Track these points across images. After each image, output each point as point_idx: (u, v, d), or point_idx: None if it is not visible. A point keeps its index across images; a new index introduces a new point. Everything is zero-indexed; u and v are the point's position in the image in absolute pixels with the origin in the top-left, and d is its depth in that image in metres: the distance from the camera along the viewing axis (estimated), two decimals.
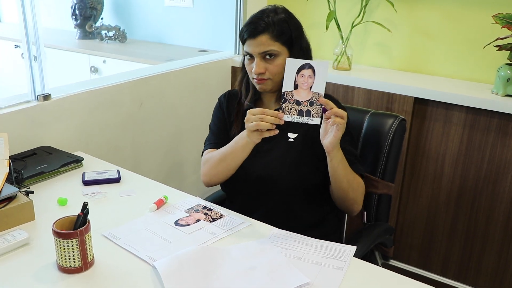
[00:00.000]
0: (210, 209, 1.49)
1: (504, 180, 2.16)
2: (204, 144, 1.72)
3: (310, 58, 1.57)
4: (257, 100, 1.65)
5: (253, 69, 1.52)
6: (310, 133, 1.50)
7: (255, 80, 1.55)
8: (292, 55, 1.52)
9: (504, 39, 2.06)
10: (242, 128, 1.46)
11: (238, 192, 1.67)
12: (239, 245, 1.30)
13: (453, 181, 2.29)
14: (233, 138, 1.54)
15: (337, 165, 1.45)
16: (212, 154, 1.62)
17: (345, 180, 1.48)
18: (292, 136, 1.46)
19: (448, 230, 2.36)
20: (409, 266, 2.52)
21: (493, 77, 2.20)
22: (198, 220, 1.43)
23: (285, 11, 1.57)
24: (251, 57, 1.54)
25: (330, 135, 1.37)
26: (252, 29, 1.51)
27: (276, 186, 1.56)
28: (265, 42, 1.50)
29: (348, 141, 1.54)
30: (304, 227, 1.47)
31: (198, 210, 1.48)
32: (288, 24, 1.53)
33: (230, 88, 2.74)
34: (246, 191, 1.63)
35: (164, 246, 1.29)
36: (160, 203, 1.49)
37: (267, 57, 1.51)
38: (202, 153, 1.69)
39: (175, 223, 1.41)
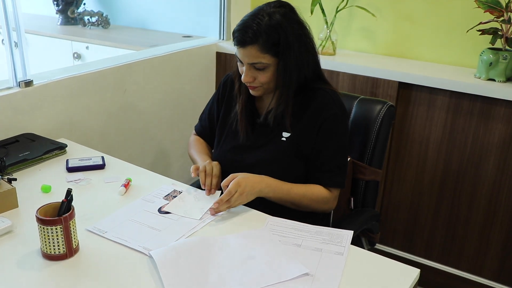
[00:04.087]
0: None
1: (486, 164, 2.19)
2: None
3: (304, 70, 1.48)
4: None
5: (242, 76, 1.49)
6: (304, 134, 1.51)
7: (247, 85, 1.52)
8: (284, 66, 1.44)
9: (486, 23, 2.07)
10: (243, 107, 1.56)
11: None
12: (236, 234, 1.29)
13: (437, 165, 2.31)
14: (228, 119, 1.62)
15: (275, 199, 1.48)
16: (191, 145, 1.76)
17: (292, 205, 1.51)
18: (285, 135, 1.52)
19: (431, 213, 2.39)
20: (393, 249, 2.55)
21: (476, 61, 2.21)
22: None
23: (283, 13, 1.42)
24: (241, 62, 1.48)
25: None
26: (240, 37, 1.42)
27: None
28: (253, 54, 1.42)
29: (334, 148, 1.53)
30: (290, 214, 1.45)
31: (176, 196, 1.48)
32: (282, 33, 1.40)
33: (214, 74, 2.72)
34: None
35: (155, 235, 1.28)
36: (127, 186, 1.52)
37: (257, 67, 1.45)
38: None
39: (158, 210, 1.40)
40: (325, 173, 1.52)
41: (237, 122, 1.59)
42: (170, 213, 1.39)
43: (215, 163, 1.56)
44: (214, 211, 1.38)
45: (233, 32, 1.46)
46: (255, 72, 1.46)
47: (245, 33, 1.41)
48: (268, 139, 1.55)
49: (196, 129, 1.80)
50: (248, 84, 1.50)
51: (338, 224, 1.63)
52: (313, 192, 1.52)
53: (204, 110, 1.78)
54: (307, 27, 1.50)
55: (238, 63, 1.51)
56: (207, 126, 1.74)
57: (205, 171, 1.49)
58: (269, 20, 1.40)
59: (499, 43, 2.12)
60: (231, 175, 1.42)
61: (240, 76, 1.51)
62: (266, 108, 1.57)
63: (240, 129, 1.58)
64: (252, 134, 1.58)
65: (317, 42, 2.53)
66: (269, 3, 1.46)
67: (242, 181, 1.40)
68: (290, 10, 1.47)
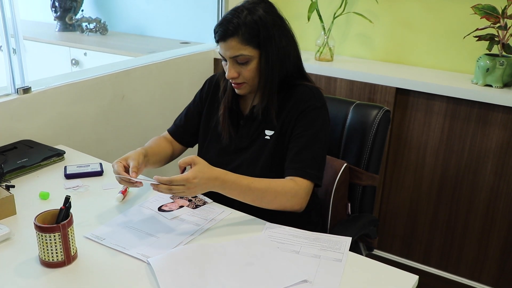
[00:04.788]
0: (195, 196, 1.50)
1: (484, 169, 2.19)
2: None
3: (286, 63, 1.48)
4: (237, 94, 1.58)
5: (226, 73, 1.49)
6: (284, 129, 1.50)
7: (232, 83, 1.52)
8: (266, 58, 1.44)
9: (483, 29, 2.08)
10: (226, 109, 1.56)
11: None
12: (235, 241, 1.29)
13: (435, 170, 2.31)
14: (212, 121, 1.61)
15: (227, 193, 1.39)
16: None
17: (255, 202, 1.41)
18: (269, 133, 1.51)
19: (430, 219, 2.40)
20: (392, 255, 2.55)
21: (473, 67, 2.22)
22: (181, 206, 1.44)
23: (263, 7, 1.46)
24: (225, 59, 1.49)
25: None
26: (221, 31, 1.44)
27: None
28: (234, 47, 1.43)
29: (309, 138, 1.47)
30: (288, 221, 1.44)
31: (183, 197, 1.49)
32: (262, 25, 1.43)
33: None
34: None
35: (153, 242, 1.27)
36: (125, 193, 1.51)
37: (239, 61, 1.45)
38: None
39: (158, 209, 1.41)
40: (298, 163, 1.45)
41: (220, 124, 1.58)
42: (169, 211, 1.41)
43: (131, 155, 1.45)
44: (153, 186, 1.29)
45: (214, 29, 1.47)
46: (239, 67, 1.46)
47: (225, 27, 1.43)
48: (252, 139, 1.54)
49: (169, 130, 1.74)
50: (232, 81, 1.49)
51: (336, 229, 1.63)
52: (278, 184, 1.40)
53: (183, 112, 1.72)
54: (287, 22, 1.51)
55: (223, 62, 1.51)
56: (181, 125, 1.70)
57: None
58: (249, 13, 1.43)
59: (495, 49, 2.13)
60: (191, 157, 1.32)
61: (226, 79, 1.52)
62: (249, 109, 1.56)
63: (223, 131, 1.57)
64: (235, 136, 1.57)
65: (314, 48, 2.56)
66: (247, 2, 1.48)
67: (194, 179, 1.27)
68: (270, 5, 1.49)
